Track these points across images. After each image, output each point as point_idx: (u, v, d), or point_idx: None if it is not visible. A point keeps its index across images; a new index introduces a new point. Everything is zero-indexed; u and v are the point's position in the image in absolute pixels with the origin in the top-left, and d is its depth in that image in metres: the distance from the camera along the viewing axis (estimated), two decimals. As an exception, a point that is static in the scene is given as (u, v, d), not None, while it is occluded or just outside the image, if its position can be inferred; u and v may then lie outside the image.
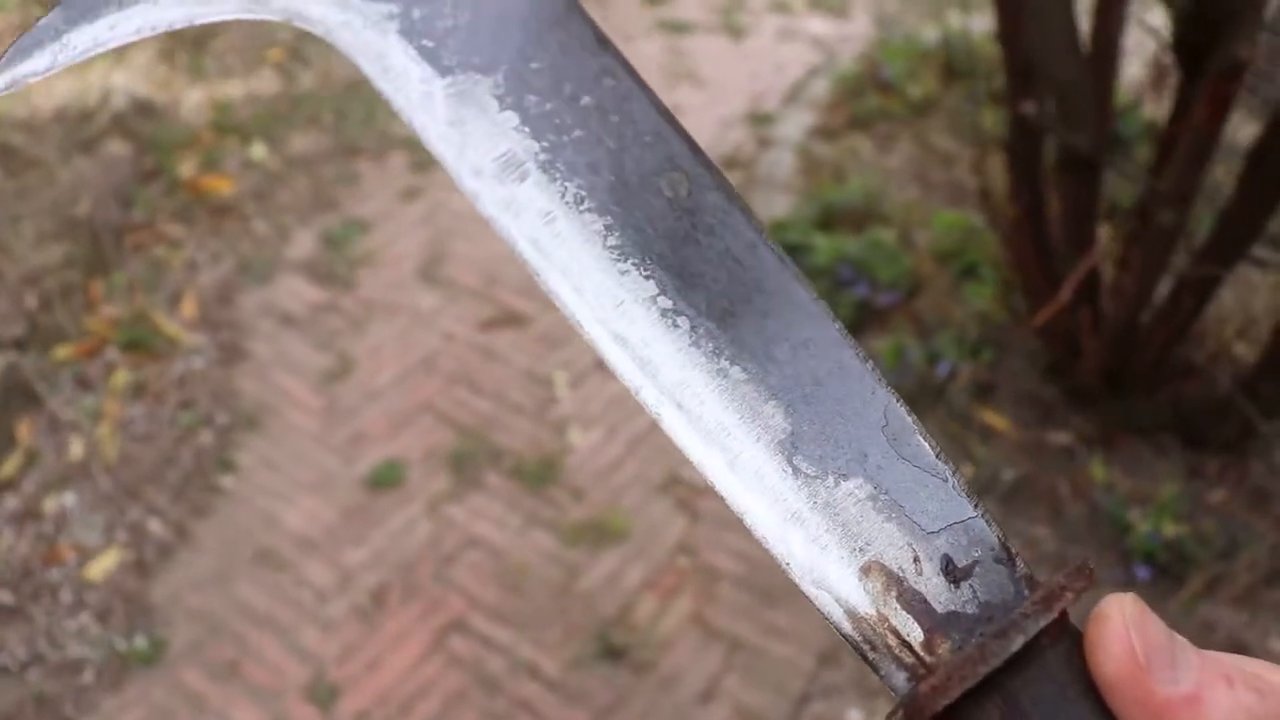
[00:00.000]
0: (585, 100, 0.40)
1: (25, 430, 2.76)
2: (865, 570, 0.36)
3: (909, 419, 0.38)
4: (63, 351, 2.96)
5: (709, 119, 3.96)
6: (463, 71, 0.40)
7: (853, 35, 4.50)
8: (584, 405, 2.83)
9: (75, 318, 3.06)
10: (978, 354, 2.84)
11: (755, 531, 0.38)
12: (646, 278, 0.39)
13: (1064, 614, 0.35)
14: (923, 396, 2.79)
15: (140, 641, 2.33)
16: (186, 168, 3.63)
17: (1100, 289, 2.53)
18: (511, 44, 0.40)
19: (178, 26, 0.40)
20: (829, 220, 3.31)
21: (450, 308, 3.12)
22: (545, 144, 0.40)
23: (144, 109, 3.83)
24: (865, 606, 0.36)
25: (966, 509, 0.37)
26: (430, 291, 3.17)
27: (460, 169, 0.40)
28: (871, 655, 0.36)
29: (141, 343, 3.00)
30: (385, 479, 2.64)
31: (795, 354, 0.38)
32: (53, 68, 0.40)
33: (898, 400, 0.38)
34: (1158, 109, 3.18)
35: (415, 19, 0.40)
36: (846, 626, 0.36)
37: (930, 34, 4.27)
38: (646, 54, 4.36)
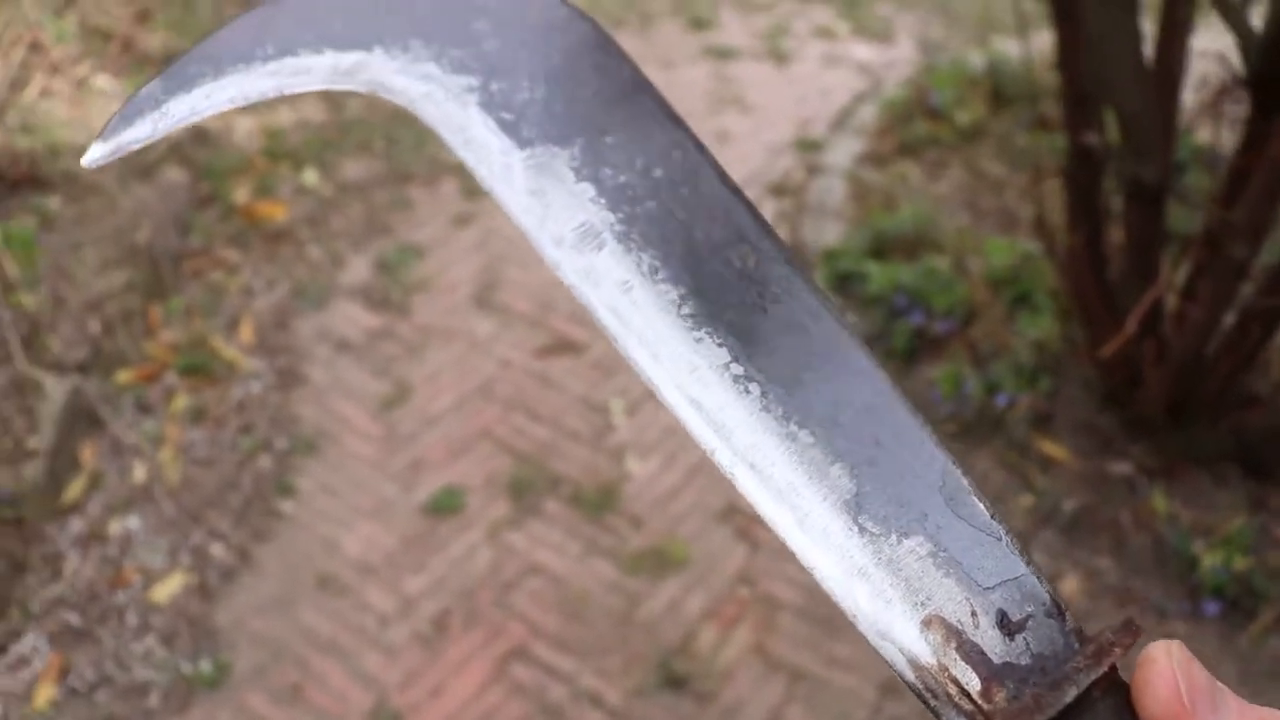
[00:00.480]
0: (657, 173, 0.42)
1: (89, 454, 2.80)
2: (926, 623, 0.39)
3: (964, 480, 0.40)
4: (124, 376, 3.00)
5: (756, 145, 3.97)
6: (541, 144, 0.42)
7: (898, 60, 4.51)
8: (641, 433, 2.84)
9: (136, 342, 3.10)
10: (1035, 383, 2.82)
11: (824, 585, 0.40)
12: (719, 345, 0.41)
13: (1113, 668, 0.38)
14: (980, 426, 2.78)
15: (205, 665, 2.35)
16: (241, 194, 3.67)
17: (1163, 318, 2.52)
18: (586, 117, 0.43)
19: (269, 96, 0.42)
20: (881, 248, 3.31)
21: (506, 334, 3.14)
22: (621, 215, 0.42)
23: (199, 136, 3.88)
24: (927, 656, 0.39)
25: (1019, 566, 0.40)
26: (485, 318, 3.20)
27: (542, 238, 0.42)
28: (933, 702, 0.39)
29: (200, 367, 3.03)
30: (444, 505, 2.65)
31: (858, 418, 0.41)
32: (153, 135, 0.42)
33: (953, 462, 0.41)
34: (1210, 134, 3.17)
35: (494, 92, 0.42)
36: (909, 675, 0.39)
37: (976, 59, 4.27)
38: (692, 80, 4.39)
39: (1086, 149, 2.41)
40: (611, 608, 2.44)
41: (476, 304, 3.24)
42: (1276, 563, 2.40)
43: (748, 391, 0.41)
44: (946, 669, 0.38)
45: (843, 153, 3.92)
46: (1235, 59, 2.17)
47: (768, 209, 3.59)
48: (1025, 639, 0.39)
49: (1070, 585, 2.45)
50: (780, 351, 0.41)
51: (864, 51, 4.61)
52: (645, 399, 2.93)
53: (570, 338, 3.11)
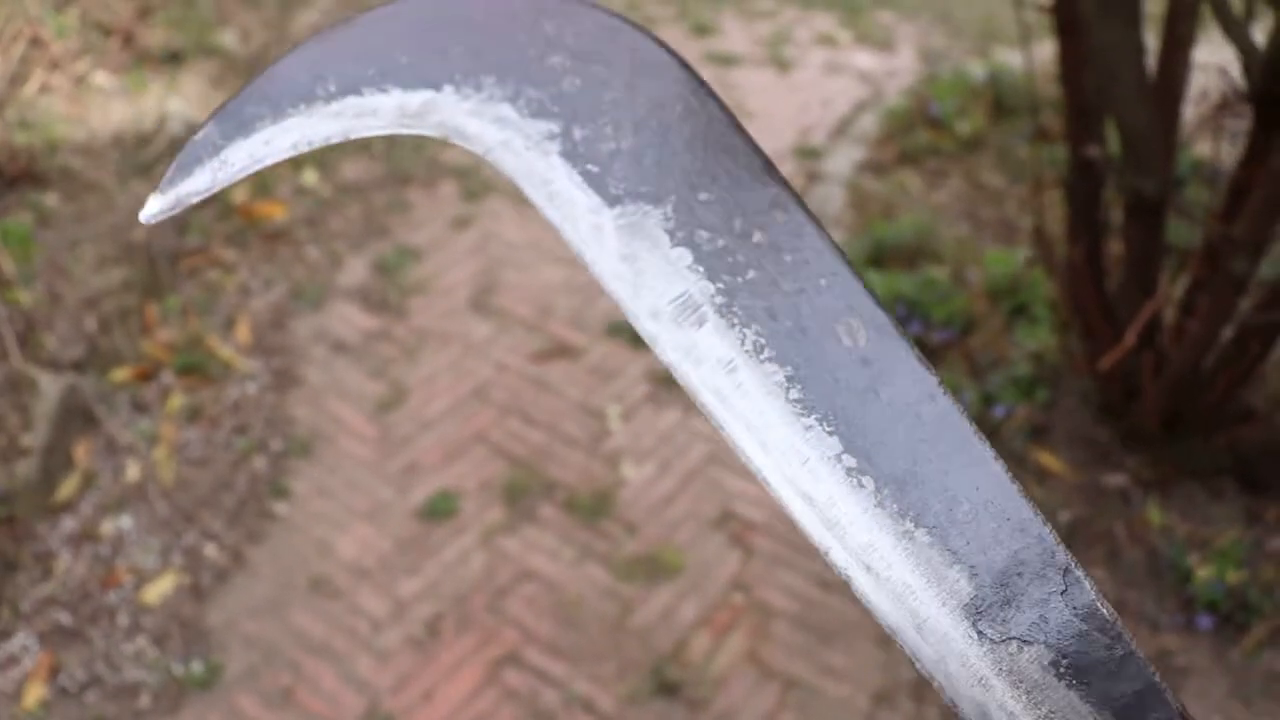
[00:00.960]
0: (757, 237, 0.39)
1: (83, 452, 2.79)
2: None
3: (1087, 584, 0.38)
4: (120, 374, 2.99)
5: (757, 152, 3.96)
6: (631, 201, 0.39)
7: (899, 70, 4.51)
8: (637, 439, 2.83)
9: (132, 341, 3.09)
10: (1032, 394, 2.82)
11: (946, 695, 0.39)
12: (830, 434, 0.38)
13: None
14: (977, 436, 2.78)
15: (196, 666, 2.34)
16: (239, 193, 3.67)
17: (1161, 331, 2.52)
18: (679, 171, 0.39)
19: (333, 140, 0.39)
20: (880, 257, 3.31)
21: (502, 338, 3.14)
22: (721, 285, 0.39)
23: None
24: None
25: (1143, 673, 0.39)
26: (482, 321, 3.19)
27: (637, 310, 0.39)
28: None
29: (196, 367, 3.02)
30: (439, 509, 2.65)
31: (976, 515, 0.38)
32: (212, 187, 0.39)
33: (1076, 565, 0.39)
34: (1210, 148, 3.17)
35: (577, 140, 0.39)
36: None
37: (978, 70, 4.27)
38: (693, 86, 4.38)
39: (1087, 161, 2.41)
40: (605, 614, 2.43)
41: (474, 307, 3.24)
42: (1270, 576, 2.40)
43: (861, 485, 0.38)
44: None
45: (843, 161, 3.92)
46: (1236, 73, 2.17)
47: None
48: None
49: (1065, 597, 2.44)
50: (894, 440, 0.38)
51: (865, 60, 4.61)
52: (641, 405, 2.92)
53: (568, 342, 3.11)
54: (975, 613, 0.38)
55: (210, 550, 2.59)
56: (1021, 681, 0.38)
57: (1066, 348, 2.87)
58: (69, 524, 2.62)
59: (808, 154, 3.95)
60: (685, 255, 0.38)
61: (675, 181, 0.38)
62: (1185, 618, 2.39)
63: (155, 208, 0.39)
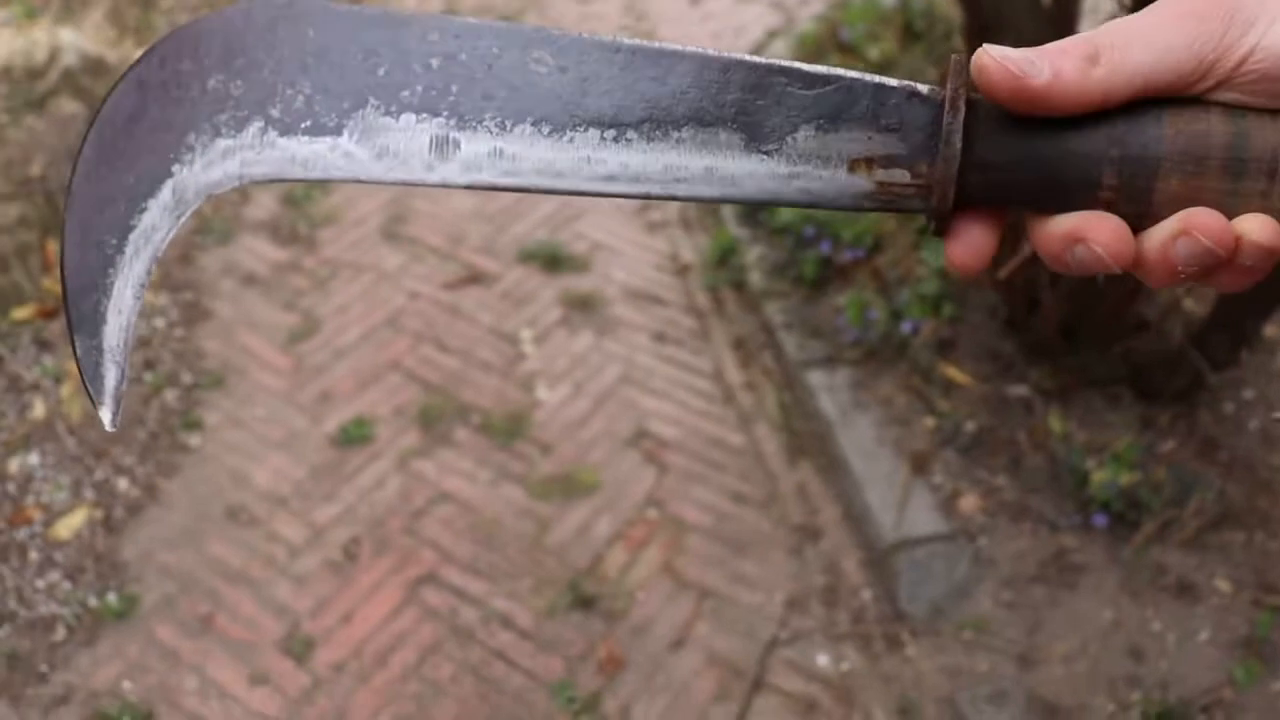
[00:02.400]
0: (434, 63, 0.48)
1: (-15, 391, 2.73)
2: (851, 168, 0.48)
3: (801, 65, 0.49)
4: (21, 312, 2.92)
5: (670, 79, 3.96)
6: (346, 117, 0.47)
7: (811, -3, 4.52)
8: (550, 362, 2.85)
9: (33, 279, 3.02)
10: (939, 310, 2.89)
11: (779, 203, 0.50)
12: (586, 129, 0.48)
13: (969, 101, 0.47)
14: (885, 352, 2.84)
15: (112, 598, 2.33)
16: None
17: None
18: (353, 72, 0.48)
19: (169, 240, 0.48)
20: (791, 179, 3.34)
21: (414, 266, 3.12)
22: (444, 112, 0.47)
23: (95, 67, 3.75)
24: (868, 185, 0.48)
25: (855, 81, 0.48)
26: (394, 251, 3.17)
27: (429, 180, 0.48)
28: (895, 205, 0.49)
29: (101, 303, 2.96)
30: (354, 436, 2.64)
31: (691, 90, 0.49)
32: (125, 358, 0.47)
33: (779, 61, 0.49)
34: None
35: (278, 116, 0.48)
36: (869, 204, 0.49)
37: (889, -4, 4.29)
38: (604, 14, 4.35)
39: (986, 77, 2.45)
40: (522, 532, 2.46)
41: (385, 237, 3.21)
42: (1161, 478, 2.51)
43: (630, 140, 0.48)
44: (885, 184, 0.48)
45: (755, 87, 3.93)
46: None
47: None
48: (901, 127, 0.48)
49: (969, 502, 2.53)
50: (629, 100, 0.48)
51: (777, -13, 4.60)
52: (554, 329, 2.93)
53: (480, 269, 3.10)
54: (753, 146, 0.48)
55: (122, 484, 2.56)
56: (807, 158, 0.48)
57: (971, 264, 2.93)
58: (-27, 463, 2.57)
59: (720, 81, 3.95)
60: (409, 118, 0.47)
61: (358, 80, 0.47)
62: (1083, 518, 2.49)
63: (109, 416, 0.46)
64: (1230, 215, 0.46)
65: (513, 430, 2.66)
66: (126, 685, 2.19)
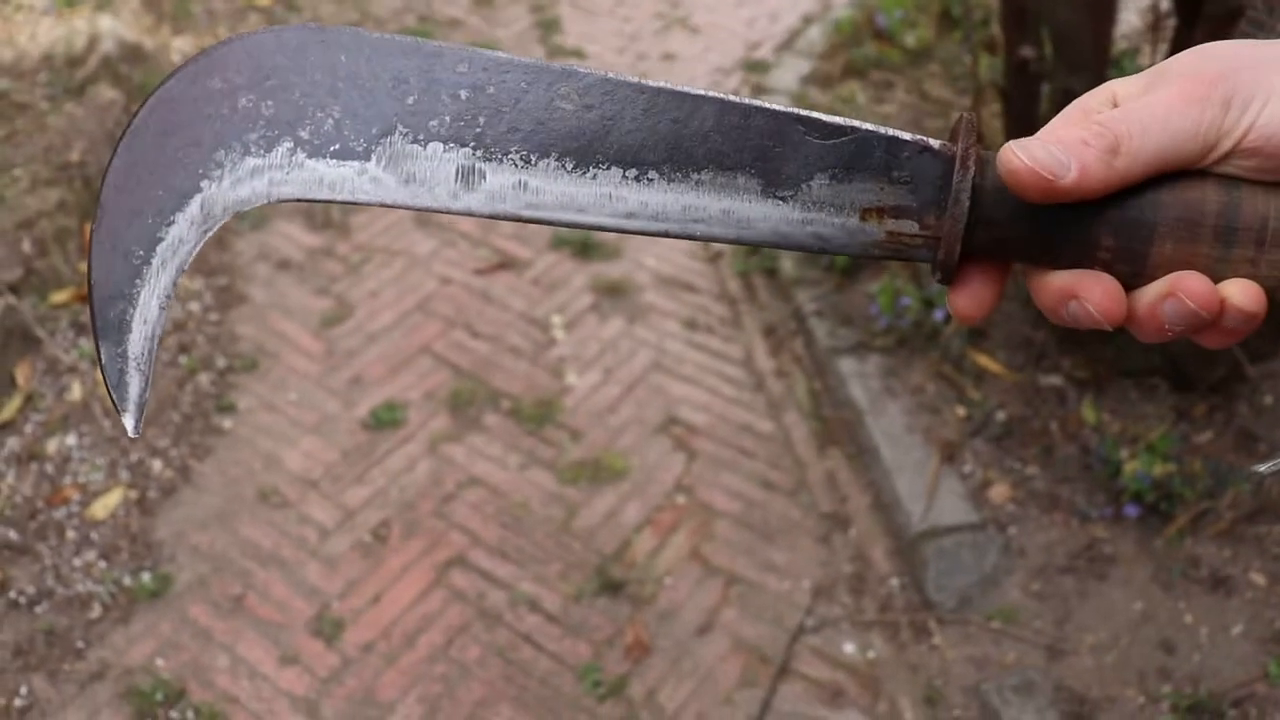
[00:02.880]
0: (463, 95, 0.49)
1: (24, 374, 2.77)
2: (863, 217, 0.50)
3: (818, 115, 0.50)
4: (59, 296, 2.96)
5: (703, 67, 3.95)
6: (374, 144, 0.49)
7: (847, -17, 4.48)
8: (580, 348, 2.85)
9: (71, 263, 3.06)
10: (971, 298, 2.86)
11: (788, 247, 0.51)
12: (608, 168, 0.50)
13: (979, 159, 0.49)
14: (916, 339, 2.82)
15: (146, 577, 2.36)
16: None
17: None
18: (383, 99, 0.49)
19: (195, 254, 0.49)
20: (824, 166, 3.32)
21: (446, 252, 3.13)
22: (471, 143, 0.49)
23: (133, 54, 3.79)
24: (878, 234, 0.50)
25: (878, 140, 0.50)
26: (426, 237, 3.18)
27: (453, 208, 0.49)
28: (904, 254, 0.50)
29: (138, 287, 2.99)
30: (385, 420, 2.66)
31: (716, 139, 0.50)
32: (150, 366, 0.48)
33: (802, 111, 0.50)
34: (1155, 58, 3.19)
35: (306, 137, 0.50)
36: (878, 252, 0.50)
37: (925, -18, 4.25)
38: (640, 1, 4.34)
39: (1023, 61, 2.43)
40: (550, 517, 2.47)
41: (417, 222, 3.22)
42: (1195, 469, 2.48)
43: (650, 180, 0.49)
44: (894, 233, 0.50)
45: (790, 74, 3.91)
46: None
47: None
48: (912, 180, 0.50)
49: (999, 491, 2.51)
50: (652, 143, 0.49)
51: (813, -27, 4.57)
52: (585, 315, 2.94)
53: (511, 255, 3.11)
54: (770, 191, 0.50)
55: (157, 466, 2.60)
56: (824, 207, 0.50)
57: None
58: (13, 443, 2.62)
59: (754, 68, 3.93)
60: (436, 147, 0.48)
61: (388, 106, 0.48)
62: (1114, 509, 2.46)
63: (131, 423, 0.47)
64: (1219, 280, 0.48)
65: (542, 415, 2.67)
66: (159, 663, 2.22)
